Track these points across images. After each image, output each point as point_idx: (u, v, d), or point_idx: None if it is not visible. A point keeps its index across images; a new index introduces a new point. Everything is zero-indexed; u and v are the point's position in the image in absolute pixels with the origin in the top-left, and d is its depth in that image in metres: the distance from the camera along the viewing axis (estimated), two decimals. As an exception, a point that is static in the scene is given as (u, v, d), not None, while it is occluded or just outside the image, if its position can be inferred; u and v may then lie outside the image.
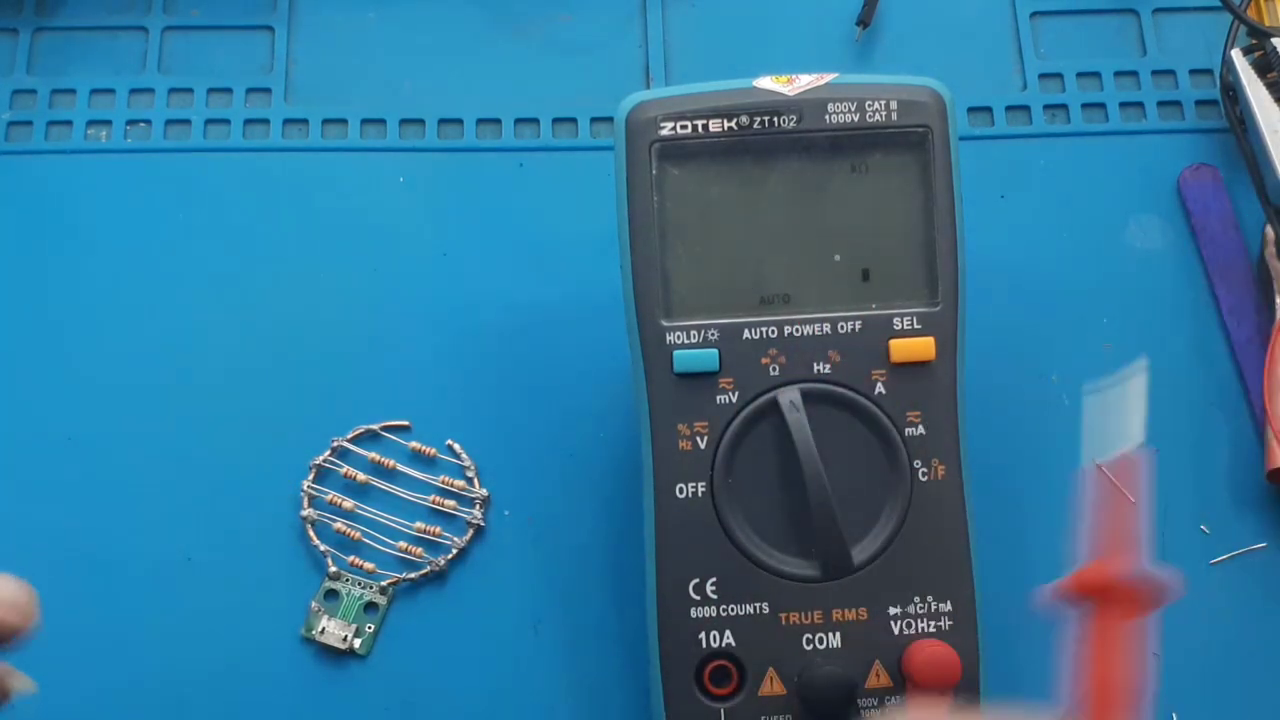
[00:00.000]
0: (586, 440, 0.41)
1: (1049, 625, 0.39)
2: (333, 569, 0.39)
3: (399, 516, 0.40)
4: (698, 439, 0.33)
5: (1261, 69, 0.44)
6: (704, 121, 0.34)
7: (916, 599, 0.34)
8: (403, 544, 0.39)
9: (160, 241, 0.43)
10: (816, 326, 0.34)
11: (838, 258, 0.34)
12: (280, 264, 0.43)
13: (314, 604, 0.39)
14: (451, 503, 0.40)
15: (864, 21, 0.47)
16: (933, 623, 0.34)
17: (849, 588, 0.34)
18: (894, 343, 0.34)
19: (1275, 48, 0.43)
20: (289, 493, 0.40)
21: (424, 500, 0.40)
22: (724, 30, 0.47)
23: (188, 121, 0.45)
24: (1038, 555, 0.40)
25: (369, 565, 0.39)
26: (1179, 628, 0.39)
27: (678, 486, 0.33)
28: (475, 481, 0.40)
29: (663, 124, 0.34)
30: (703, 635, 0.33)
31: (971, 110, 0.46)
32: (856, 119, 0.34)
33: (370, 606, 0.39)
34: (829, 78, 0.34)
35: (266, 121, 0.45)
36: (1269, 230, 0.43)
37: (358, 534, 0.39)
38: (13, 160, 0.44)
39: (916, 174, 0.34)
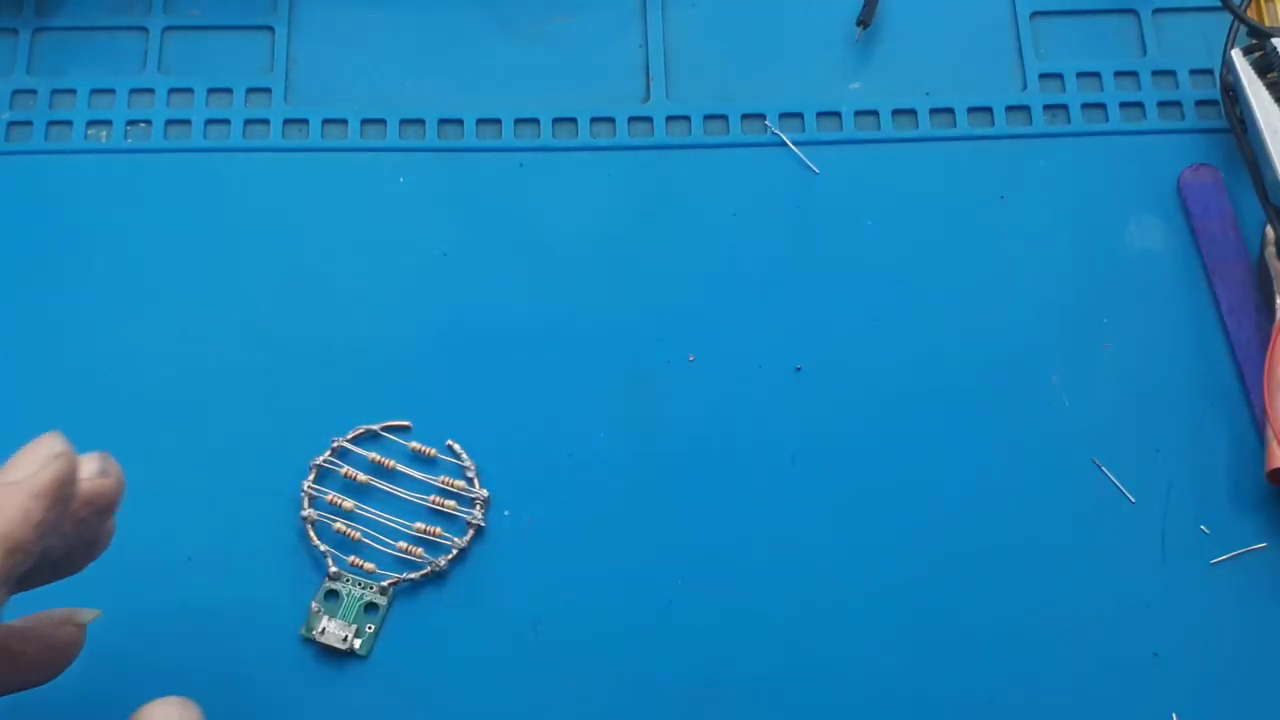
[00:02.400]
0: (586, 440, 0.41)
1: (1059, 628, 0.39)
2: (333, 569, 0.39)
3: (399, 516, 0.40)
4: None
5: (1261, 69, 0.43)
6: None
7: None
8: (403, 544, 0.39)
9: (160, 241, 0.43)
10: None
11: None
12: (280, 264, 0.43)
13: (314, 604, 0.39)
14: (451, 503, 0.40)
15: (864, 21, 0.46)
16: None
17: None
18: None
19: (1275, 48, 0.43)
20: (289, 493, 0.40)
21: (424, 500, 0.40)
22: (724, 30, 0.47)
23: (188, 121, 0.45)
24: (1040, 555, 0.40)
25: (369, 565, 0.39)
26: (1179, 628, 0.39)
27: None
28: (475, 481, 0.40)
29: None
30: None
31: (971, 110, 0.46)
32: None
33: (370, 606, 0.39)
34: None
35: (266, 121, 0.45)
36: (1269, 230, 0.43)
37: (358, 534, 0.39)
38: (13, 160, 0.44)
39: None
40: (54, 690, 0.37)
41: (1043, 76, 0.47)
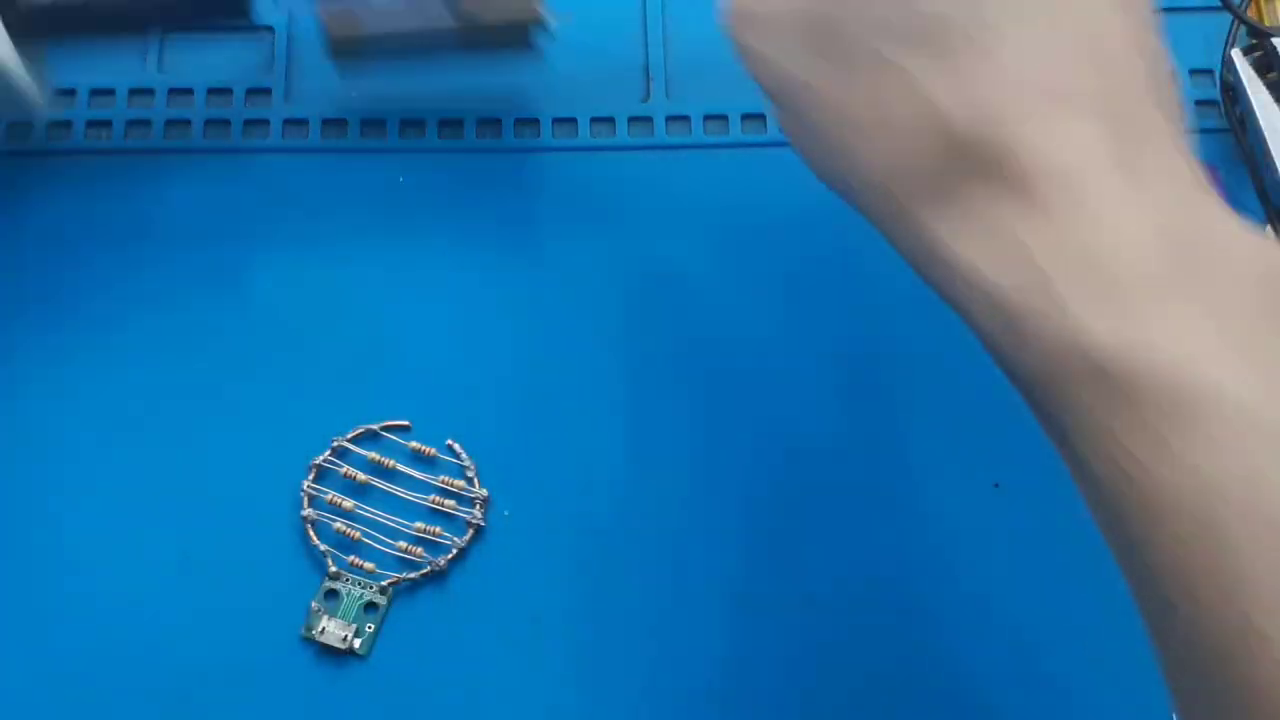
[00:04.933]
0: (586, 440, 0.41)
1: (1059, 626, 0.39)
2: (333, 569, 0.39)
3: (399, 516, 0.40)
4: None
5: (1261, 69, 0.43)
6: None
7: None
8: (403, 544, 0.39)
9: (159, 241, 0.43)
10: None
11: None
12: (280, 264, 0.43)
13: (314, 604, 0.39)
14: (451, 503, 0.40)
15: (864, 21, 0.46)
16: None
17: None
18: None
19: (1275, 48, 0.43)
20: (289, 493, 0.40)
21: (424, 500, 0.40)
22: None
23: (188, 122, 0.45)
24: (1040, 553, 0.40)
25: (369, 565, 0.39)
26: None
27: None
28: (475, 481, 0.40)
29: None
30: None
31: (971, 110, 0.46)
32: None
33: (370, 606, 0.39)
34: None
35: (266, 121, 0.45)
36: (1269, 230, 0.43)
37: (358, 534, 0.39)
38: (13, 160, 0.44)
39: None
40: (52, 690, 0.38)
41: (1043, 76, 0.47)
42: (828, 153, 0.29)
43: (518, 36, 0.41)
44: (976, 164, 0.26)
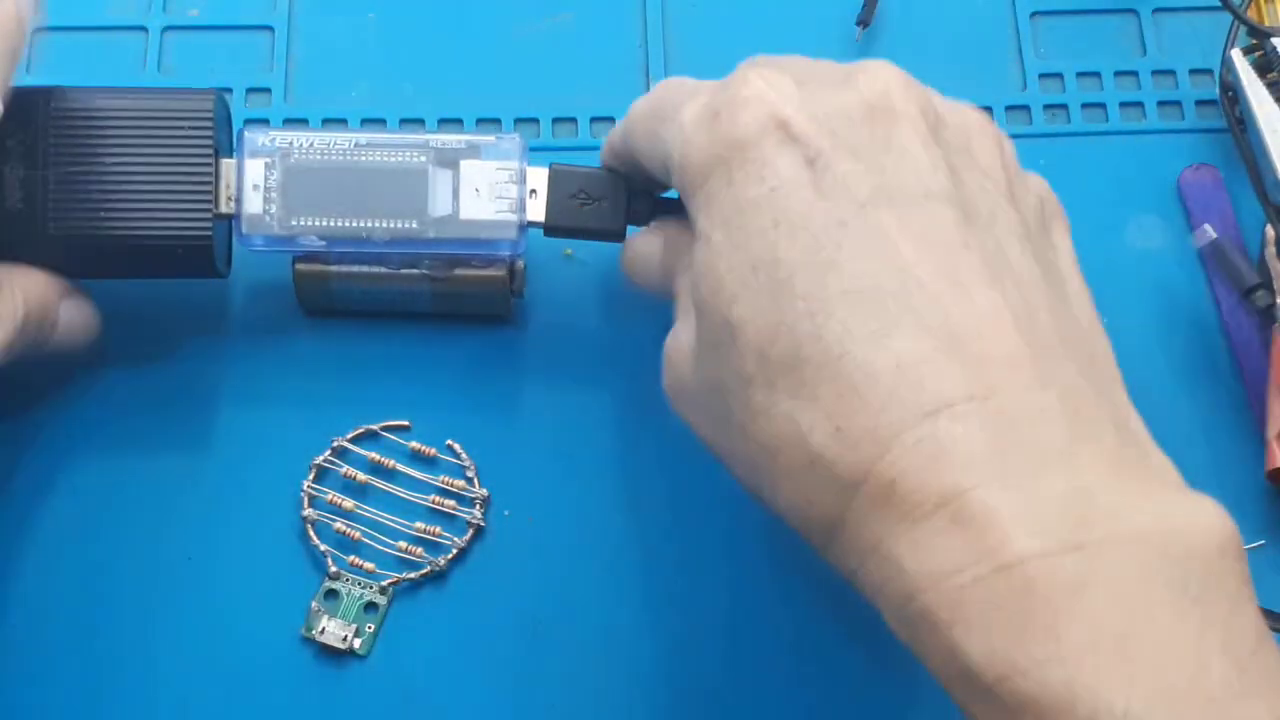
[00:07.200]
0: (586, 440, 0.41)
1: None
2: (333, 569, 0.39)
3: (399, 516, 0.40)
4: None
5: (1261, 69, 0.43)
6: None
7: None
8: (403, 544, 0.39)
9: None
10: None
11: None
12: (279, 264, 0.43)
13: (314, 604, 0.39)
14: (451, 503, 0.40)
15: (864, 21, 0.47)
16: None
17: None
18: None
19: (1275, 48, 0.43)
20: (289, 493, 0.40)
21: (424, 500, 0.40)
22: (724, 30, 0.47)
23: (188, 121, 0.45)
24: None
25: (369, 565, 0.39)
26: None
27: None
28: (475, 481, 0.40)
29: None
30: None
31: (971, 110, 0.46)
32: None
33: (370, 606, 0.39)
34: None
35: (266, 122, 0.45)
36: (1269, 230, 0.43)
37: (358, 534, 0.39)
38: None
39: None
40: (50, 690, 0.38)
41: (1043, 76, 0.47)
42: (759, 497, 0.30)
43: (493, 304, 0.41)
44: (865, 497, 0.26)
